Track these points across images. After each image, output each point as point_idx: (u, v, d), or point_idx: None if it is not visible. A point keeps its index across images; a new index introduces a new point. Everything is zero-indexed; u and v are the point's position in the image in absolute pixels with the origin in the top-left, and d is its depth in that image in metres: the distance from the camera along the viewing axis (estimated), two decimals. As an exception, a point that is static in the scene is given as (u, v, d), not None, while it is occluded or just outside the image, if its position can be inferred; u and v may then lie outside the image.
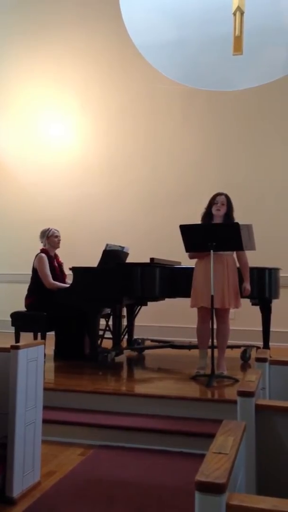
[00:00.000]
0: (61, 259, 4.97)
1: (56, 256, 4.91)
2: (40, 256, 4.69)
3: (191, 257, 4.17)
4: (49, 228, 4.85)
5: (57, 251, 4.92)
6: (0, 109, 7.49)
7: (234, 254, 4.10)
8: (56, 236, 4.83)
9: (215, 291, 3.81)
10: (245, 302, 4.67)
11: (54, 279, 4.65)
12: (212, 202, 4.13)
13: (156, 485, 2.52)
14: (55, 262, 4.84)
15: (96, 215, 6.87)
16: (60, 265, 4.92)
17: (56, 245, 4.84)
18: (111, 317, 5.04)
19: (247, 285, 4.07)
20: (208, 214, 4.14)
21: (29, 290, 4.71)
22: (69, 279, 4.71)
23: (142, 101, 6.88)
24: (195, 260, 4.16)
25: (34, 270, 4.68)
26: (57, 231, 4.86)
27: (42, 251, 4.76)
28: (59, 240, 4.85)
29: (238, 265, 4.12)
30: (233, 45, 5.56)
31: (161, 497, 2.38)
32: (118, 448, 3.04)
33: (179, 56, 6.60)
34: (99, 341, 4.79)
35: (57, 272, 4.80)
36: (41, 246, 4.84)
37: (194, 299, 4.06)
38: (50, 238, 4.79)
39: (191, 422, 3.23)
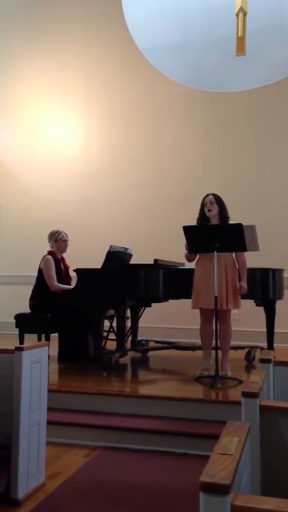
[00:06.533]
0: (67, 261, 4.96)
1: (63, 259, 4.90)
2: (47, 258, 4.68)
3: (188, 259, 4.21)
4: (59, 231, 4.82)
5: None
6: (2, 112, 7.51)
7: (233, 253, 4.10)
8: (65, 241, 4.82)
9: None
10: (249, 303, 4.67)
11: (59, 282, 4.64)
12: (202, 204, 4.16)
13: (161, 486, 2.52)
14: (62, 265, 4.83)
15: (99, 216, 6.87)
16: (67, 268, 4.91)
17: (63, 249, 4.84)
18: (115, 318, 5.05)
19: (244, 284, 4.04)
20: (202, 217, 4.16)
21: (34, 291, 4.70)
22: (74, 282, 4.68)
23: (145, 103, 6.88)
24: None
25: (40, 271, 4.68)
26: (67, 235, 4.84)
27: (49, 253, 4.76)
28: (66, 245, 4.84)
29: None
30: (236, 46, 5.53)
31: (166, 499, 2.38)
32: (123, 449, 3.05)
33: (182, 58, 6.60)
34: (103, 343, 4.80)
35: (63, 275, 4.80)
36: (48, 247, 4.83)
37: (194, 300, 4.08)
38: (58, 242, 4.78)
39: (195, 423, 3.23)
